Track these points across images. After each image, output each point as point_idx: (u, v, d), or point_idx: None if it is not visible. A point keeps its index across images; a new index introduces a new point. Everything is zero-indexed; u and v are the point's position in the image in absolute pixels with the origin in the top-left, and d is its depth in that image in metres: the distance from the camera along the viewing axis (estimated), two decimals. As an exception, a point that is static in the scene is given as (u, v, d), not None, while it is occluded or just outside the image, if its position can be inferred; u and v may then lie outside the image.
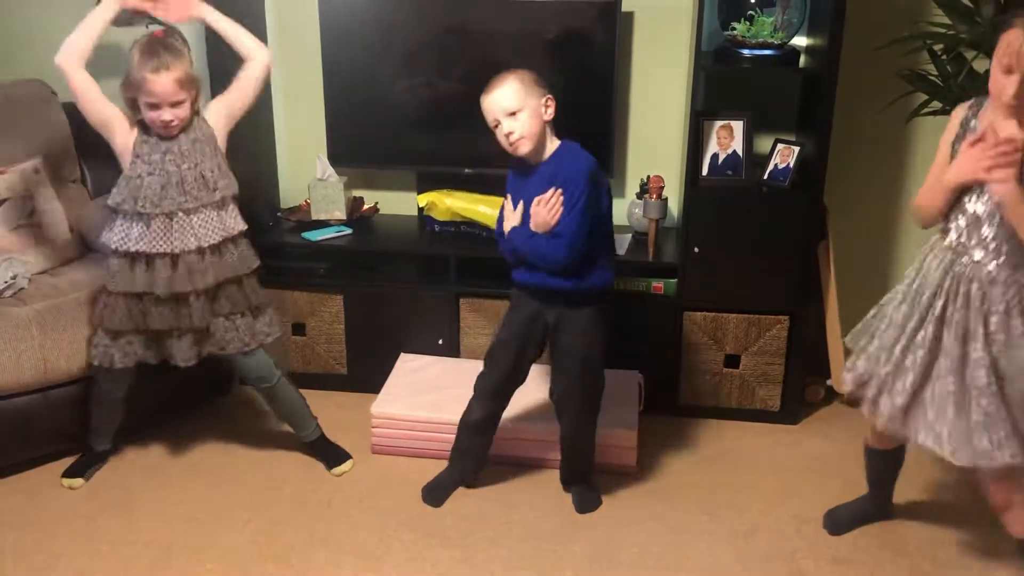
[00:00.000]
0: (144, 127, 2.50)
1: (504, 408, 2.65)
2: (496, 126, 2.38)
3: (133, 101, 2.45)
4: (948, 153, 2.12)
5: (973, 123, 2.06)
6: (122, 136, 2.49)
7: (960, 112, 2.11)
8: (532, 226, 2.39)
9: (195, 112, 2.52)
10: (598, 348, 2.52)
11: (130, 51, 2.42)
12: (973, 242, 2.07)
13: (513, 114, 2.35)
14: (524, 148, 2.38)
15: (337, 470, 2.82)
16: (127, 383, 2.67)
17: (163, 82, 2.37)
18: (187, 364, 2.59)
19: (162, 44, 2.41)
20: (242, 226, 2.57)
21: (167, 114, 2.41)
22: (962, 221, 2.09)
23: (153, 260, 2.49)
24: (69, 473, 2.75)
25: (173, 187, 2.46)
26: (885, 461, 2.48)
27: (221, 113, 2.56)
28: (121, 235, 2.50)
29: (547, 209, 2.35)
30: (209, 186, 2.49)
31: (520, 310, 2.54)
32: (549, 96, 2.38)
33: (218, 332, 2.59)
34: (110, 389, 2.67)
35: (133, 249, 2.48)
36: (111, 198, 2.50)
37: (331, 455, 2.85)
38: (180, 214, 2.47)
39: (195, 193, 2.48)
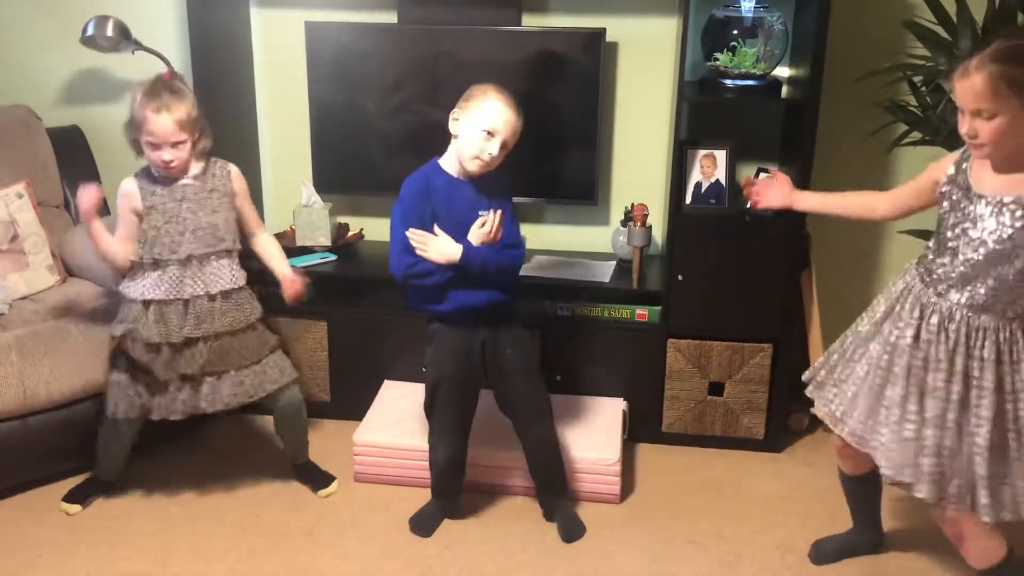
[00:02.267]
0: (146, 175, 2.54)
1: (467, 441, 2.63)
2: (490, 135, 2.36)
3: (136, 142, 2.48)
4: (927, 185, 2.14)
5: (964, 166, 2.07)
6: (136, 216, 2.54)
7: (954, 156, 2.11)
8: (476, 243, 2.42)
9: (209, 159, 2.57)
10: (535, 354, 2.62)
11: (133, 91, 2.47)
12: (943, 276, 2.09)
13: (506, 144, 2.38)
14: (481, 172, 2.41)
15: (323, 492, 2.81)
16: (137, 428, 2.69)
17: (163, 122, 2.41)
18: (178, 417, 2.61)
19: (165, 85, 2.46)
20: (243, 280, 2.61)
21: (167, 154, 2.44)
22: (944, 258, 2.09)
23: (165, 307, 2.52)
24: (69, 497, 2.74)
25: (188, 233, 2.51)
26: (861, 486, 2.47)
27: (241, 195, 2.62)
28: (138, 284, 2.54)
29: (493, 228, 2.41)
30: (218, 235, 2.55)
31: (448, 342, 2.52)
32: None
33: (248, 380, 2.64)
34: (121, 430, 2.67)
35: (148, 297, 2.52)
36: (138, 254, 2.54)
37: (317, 478, 2.84)
38: (194, 261, 2.52)
39: (206, 240, 2.53)
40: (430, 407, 2.59)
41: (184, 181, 2.53)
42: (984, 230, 2.01)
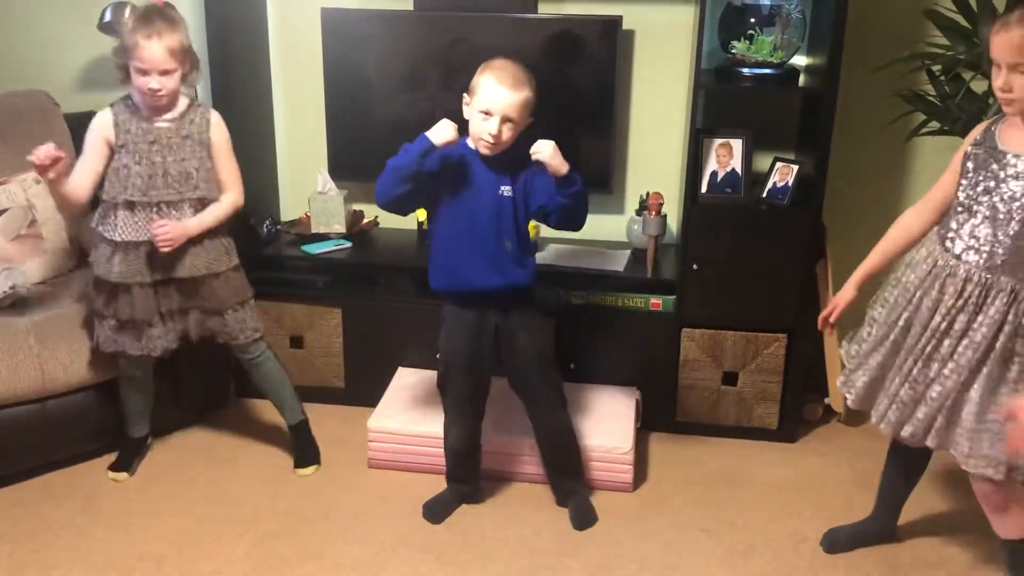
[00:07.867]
0: (124, 107, 2.52)
1: (480, 424, 2.64)
2: (487, 115, 2.33)
3: (124, 67, 2.46)
4: (958, 164, 2.15)
5: (993, 129, 2.10)
6: (108, 148, 2.52)
7: (982, 124, 2.15)
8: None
9: (193, 102, 2.55)
10: (548, 340, 2.57)
11: (126, 19, 2.45)
12: (963, 237, 2.11)
13: (509, 121, 2.33)
14: (491, 152, 2.38)
15: (300, 471, 2.83)
16: (148, 365, 2.71)
17: (153, 48, 2.39)
18: (161, 353, 2.64)
19: (158, 12, 2.44)
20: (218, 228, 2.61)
21: (154, 81, 2.42)
22: (958, 217, 2.12)
23: (133, 248, 2.52)
24: (115, 466, 2.79)
25: (159, 178, 2.50)
26: (909, 461, 2.44)
27: (218, 146, 2.58)
28: (110, 224, 2.53)
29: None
30: (192, 183, 2.53)
31: (458, 325, 2.52)
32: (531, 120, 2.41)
33: (210, 324, 2.66)
34: (131, 370, 2.70)
35: (119, 239, 2.52)
36: (104, 192, 2.53)
37: (303, 451, 2.86)
38: (163, 206, 2.51)
39: (177, 187, 2.52)
40: (443, 389, 2.62)
41: (159, 123, 2.50)
42: (1009, 187, 2.02)
